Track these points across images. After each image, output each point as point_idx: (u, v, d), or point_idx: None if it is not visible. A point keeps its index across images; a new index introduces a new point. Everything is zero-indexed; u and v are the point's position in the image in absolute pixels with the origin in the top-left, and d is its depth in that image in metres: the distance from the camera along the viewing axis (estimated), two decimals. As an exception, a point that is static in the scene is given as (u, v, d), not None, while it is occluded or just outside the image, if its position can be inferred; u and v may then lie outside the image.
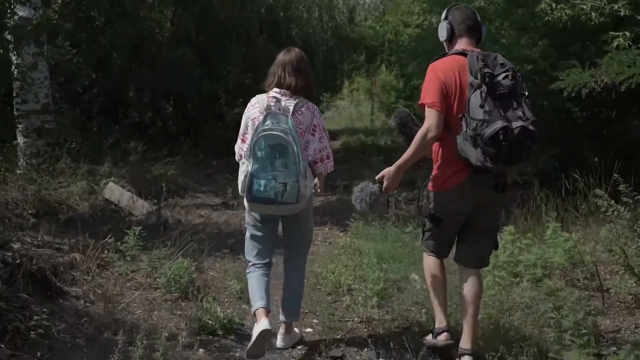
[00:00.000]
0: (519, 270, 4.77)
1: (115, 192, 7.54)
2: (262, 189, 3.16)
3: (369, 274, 4.81)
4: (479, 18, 3.28)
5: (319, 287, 4.96)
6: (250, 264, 3.66)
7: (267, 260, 3.63)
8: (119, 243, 5.02)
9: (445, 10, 3.30)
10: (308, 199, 3.39)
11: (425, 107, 3.06)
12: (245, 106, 3.54)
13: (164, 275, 4.59)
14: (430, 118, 3.00)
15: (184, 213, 7.84)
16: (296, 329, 3.87)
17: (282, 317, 3.71)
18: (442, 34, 3.25)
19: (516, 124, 2.83)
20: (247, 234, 3.66)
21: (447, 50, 3.26)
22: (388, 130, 20.18)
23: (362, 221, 6.72)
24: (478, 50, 3.11)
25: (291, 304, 3.66)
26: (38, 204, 6.58)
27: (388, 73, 16.43)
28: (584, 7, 5.62)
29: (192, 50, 11.36)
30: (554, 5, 5.68)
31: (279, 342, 3.70)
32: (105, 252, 4.97)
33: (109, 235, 5.09)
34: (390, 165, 3.21)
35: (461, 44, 3.17)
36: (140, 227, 5.05)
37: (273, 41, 12.81)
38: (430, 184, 3.30)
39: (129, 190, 7.79)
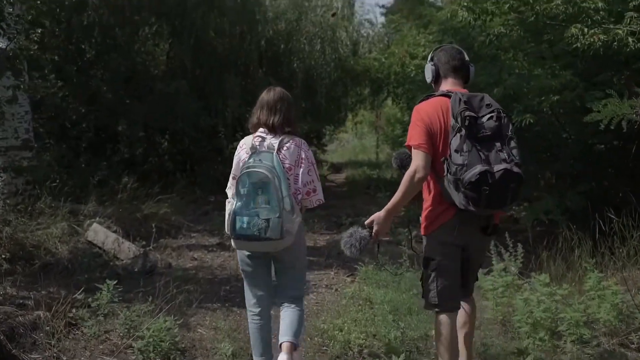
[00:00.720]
0: (561, 330, 4.06)
1: (100, 233, 6.87)
2: (245, 225, 3.14)
3: (383, 333, 4.12)
4: (466, 58, 3.22)
5: (324, 348, 4.23)
6: (248, 307, 3.58)
7: (264, 307, 3.52)
8: (90, 299, 4.31)
9: (431, 52, 3.30)
10: (296, 235, 3.29)
11: (412, 149, 3.01)
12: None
13: (141, 338, 3.87)
14: (417, 160, 2.96)
15: (175, 256, 7.14)
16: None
17: (281, 338, 3.40)
18: (428, 75, 3.25)
19: (498, 167, 2.78)
20: (243, 277, 3.60)
21: (434, 92, 3.20)
22: (393, 164, 19.71)
23: (371, 264, 6.05)
24: (464, 91, 3.05)
25: (290, 331, 3.41)
26: (13, 248, 5.93)
27: (395, 106, 15.89)
28: (619, 32, 5.03)
29: (189, 84, 10.82)
30: (585, 30, 5.07)
31: None
32: (74, 309, 4.26)
33: (81, 290, 4.39)
34: None
35: (447, 84, 3.15)
36: (116, 281, 4.33)
37: (273, 74, 12.29)
38: (421, 228, 3.20)
39: (115, 232, 7.11)
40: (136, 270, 6.19)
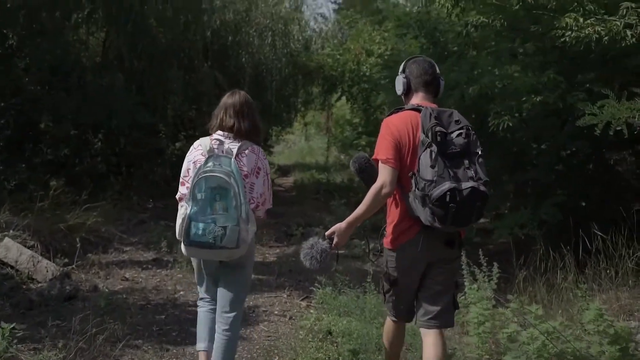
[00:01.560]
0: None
1: (12, 250, 5.84)
2: (200, 232, 3.02)
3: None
4: (437, 71, 3.17)
5: (280, 402, 3.46)
6: (199, 296, 3.49)
7: (210, 301, 3.43)
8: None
9: (403, 63, 3.22)
10: (249, 245, 3.20)
11: (380, 163, 2.96)
12: (188, 140, 2.89)
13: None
14: (384, 174, 2.92)
15: (103, 275, 6.19)
16: None
17: None
18: (399, 87, 3.17)
19: (466, 184, 2.77)
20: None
21: (404, 105, 3.16)
22: (343, 167, 19.02)
23: (329, 287, 5.31)
24: (434, 106, 3.02)
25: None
26: None
27: (345, 106, 15.23)
28: (617, 23, 4.43)
29: (125, 77, 9.81)
30: (581, 20, 4.43)
31: None
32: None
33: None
34: (352, 208, 3.12)
35: (417, 98, 3.11)
36: (12, 325, 3.40)
37: (220, 68, 11.39)
38: (384, 240, 3.17)
39: (32, 247, 6.11)
40: (53, 295, 5.24)
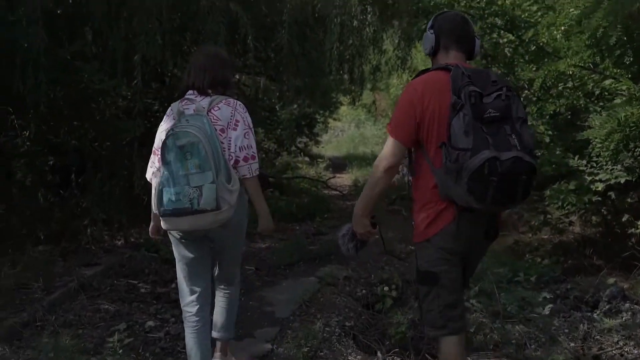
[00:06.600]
0: None
1: None
2: (173, 198, 2.63)
3: None
4: (472, 28, 2.69)
5: None
6: (183, 302, 3.03)
7: (202, 305, 3.00)
8: None
9: (432, 19, 2.73)
10: (237, 210, 2.76)
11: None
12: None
13: None
14: (386, 146, 2.53)
15: None
16: (234, 358, 3.40)
17: (214, 334, 3.23)
18: (426, 46, 2.71)
19: (508, 154, 2.26)
20: (178, 268, 3.03)
21: (432, 66, 2.72)
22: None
23: None
24: (467, 65, 2.59)
25: (223, 320, 3.24)
26: None
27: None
28: None
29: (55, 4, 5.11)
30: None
31: None
32: None
33: None
34: None
35: (448, 57, 2.62)
36: None
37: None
38: (414, 234, 2.62)
39: None
40: None
